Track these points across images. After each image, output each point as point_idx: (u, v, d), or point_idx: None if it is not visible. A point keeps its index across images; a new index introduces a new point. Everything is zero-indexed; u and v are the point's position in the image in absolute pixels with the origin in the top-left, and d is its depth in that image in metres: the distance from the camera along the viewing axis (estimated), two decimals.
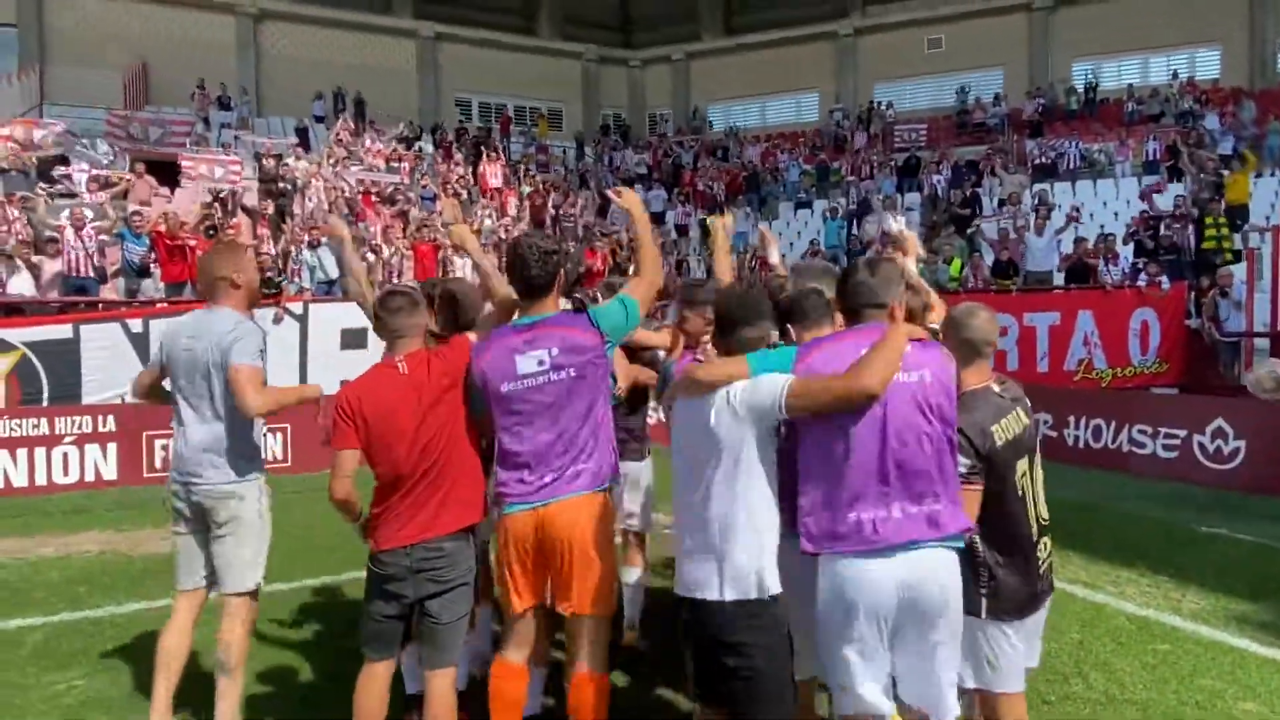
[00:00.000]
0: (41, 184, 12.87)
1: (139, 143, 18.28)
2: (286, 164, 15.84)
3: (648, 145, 26.67)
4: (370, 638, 2.95)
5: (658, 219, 20.71)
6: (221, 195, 13.87)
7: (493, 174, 19.01)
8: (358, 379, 3.04)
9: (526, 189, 18.98)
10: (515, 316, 3.01)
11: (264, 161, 15.54)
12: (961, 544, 2.44)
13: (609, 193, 3.50)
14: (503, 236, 14.49)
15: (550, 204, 18.32)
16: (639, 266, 3.16)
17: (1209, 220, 13.05)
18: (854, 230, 17.61)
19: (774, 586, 2.42)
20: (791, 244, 19.04)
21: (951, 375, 2.49)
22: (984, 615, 2.59)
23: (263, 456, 3.51)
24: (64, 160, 14.73)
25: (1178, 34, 23.92)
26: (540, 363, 2.83)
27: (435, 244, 13.28)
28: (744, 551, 2.41)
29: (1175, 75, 22.93)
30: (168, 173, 15.42)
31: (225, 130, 20.69)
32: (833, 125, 25.56)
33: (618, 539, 3.29)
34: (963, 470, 2.50)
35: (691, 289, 3.69)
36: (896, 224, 4.14)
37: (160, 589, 5.29)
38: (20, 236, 11.13)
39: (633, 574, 4.31)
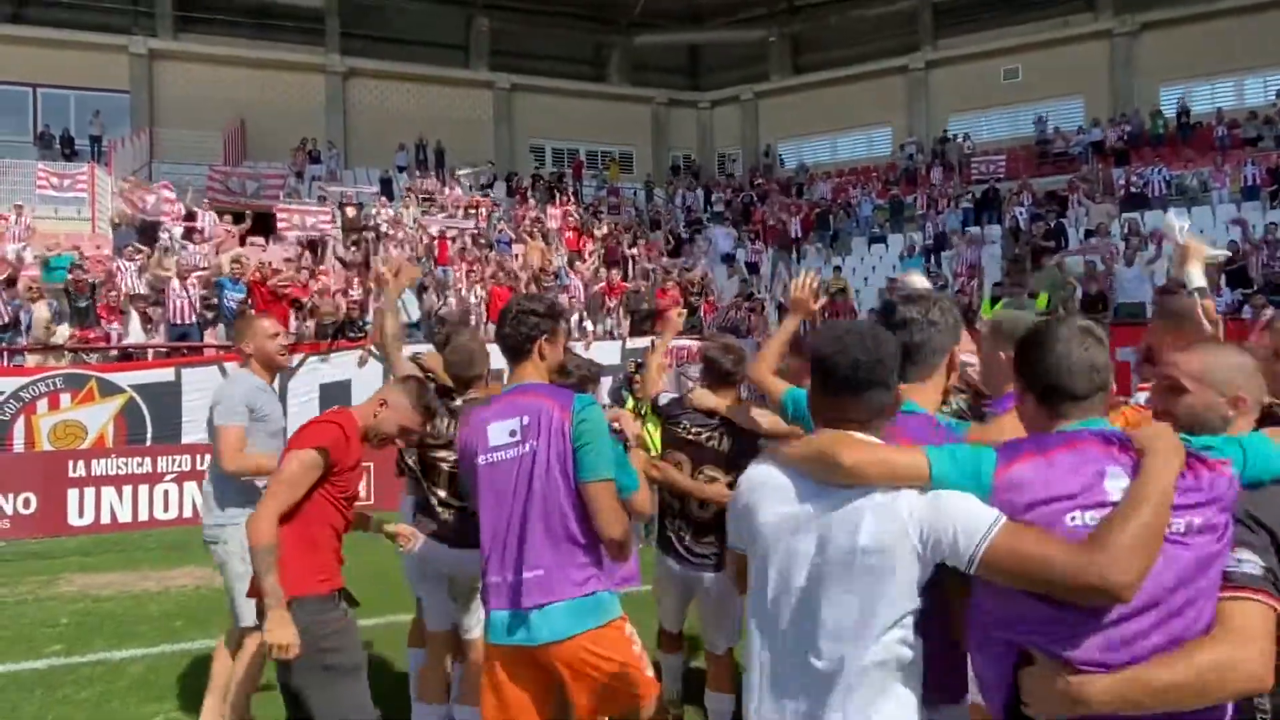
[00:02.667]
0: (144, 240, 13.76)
1: (237, 196, 19.44)
2: (369, 213, 16.61)
3: (717, 185, 26.85)
4: None
5: (728, 258, 20.75)
6: (312, 242, 14.63)
7: (557, 217, 19.46)
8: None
9: (599, 232, 19.33)
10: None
11: (347, 210, 16.33)
12: None
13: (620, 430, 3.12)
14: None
15: (624, 245, 18.58)
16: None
17: None
18: (932, 265, 17.26)
19: None
20: (866, 279, 18.77)
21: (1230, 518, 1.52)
22: None
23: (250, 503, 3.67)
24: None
25: (1276, 53, 22.80)
26: (511, 433, 2.52)
27: (511, 287, 13.65)
28: None
29: (1278, 95, 21.84)
30: (263, 224, 16.34)
31: (315, 182, 21.83)
32: (905, 159, 25.24)
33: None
34: (1256, 572, 1.52)
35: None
36: (1179, 231, 3.17)
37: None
38: (131, 289, 11.89)
39: (723, 701, 3.58)
